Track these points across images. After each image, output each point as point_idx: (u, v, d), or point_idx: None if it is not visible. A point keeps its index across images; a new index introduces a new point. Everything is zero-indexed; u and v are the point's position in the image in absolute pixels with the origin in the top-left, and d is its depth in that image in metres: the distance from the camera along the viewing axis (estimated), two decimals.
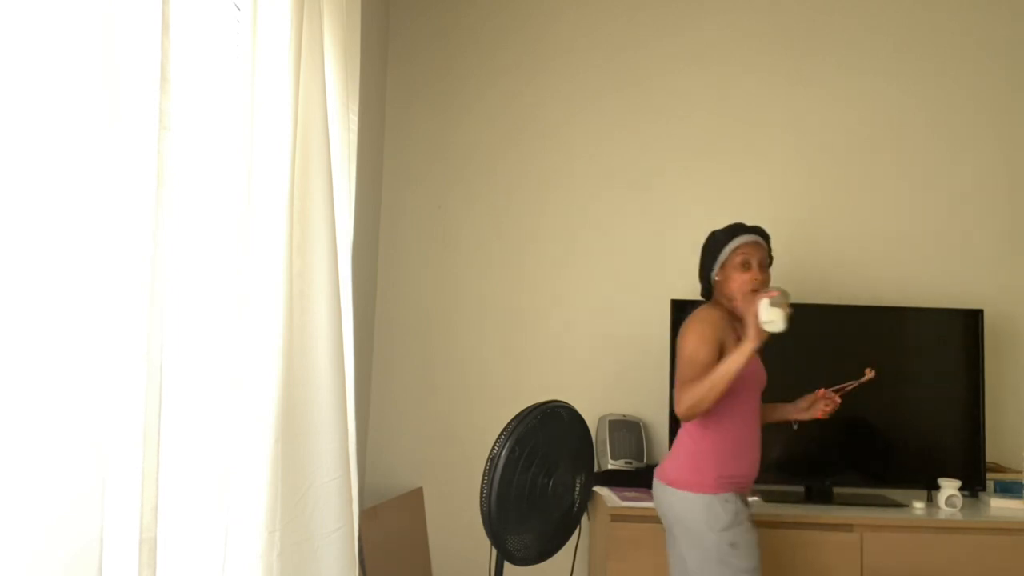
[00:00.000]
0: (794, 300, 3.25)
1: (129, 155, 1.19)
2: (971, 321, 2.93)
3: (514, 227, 3.18)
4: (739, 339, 2.27)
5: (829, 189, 3.18)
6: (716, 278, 2.37)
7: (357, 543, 2.14)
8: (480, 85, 3.22)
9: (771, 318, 2.11)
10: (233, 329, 1.68)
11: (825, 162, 3.19)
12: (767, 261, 2.37)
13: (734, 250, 2.34)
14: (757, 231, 2.39)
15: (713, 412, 2.25)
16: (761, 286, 2.29)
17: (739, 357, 2.16)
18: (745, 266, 2.32)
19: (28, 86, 1.02)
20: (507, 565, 2.88)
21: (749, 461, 2.30)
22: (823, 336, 2.96)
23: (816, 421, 2.96)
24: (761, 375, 2.40)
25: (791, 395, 2.88)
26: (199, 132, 1.68)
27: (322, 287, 1.90)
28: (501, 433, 2.22)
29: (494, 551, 2.25)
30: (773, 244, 3.16)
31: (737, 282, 2.32)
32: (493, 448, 2.18)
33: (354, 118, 2.28)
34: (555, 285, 3.18)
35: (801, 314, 2.99)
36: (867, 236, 3.16)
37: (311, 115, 1.88)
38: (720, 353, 2.25)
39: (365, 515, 2.50)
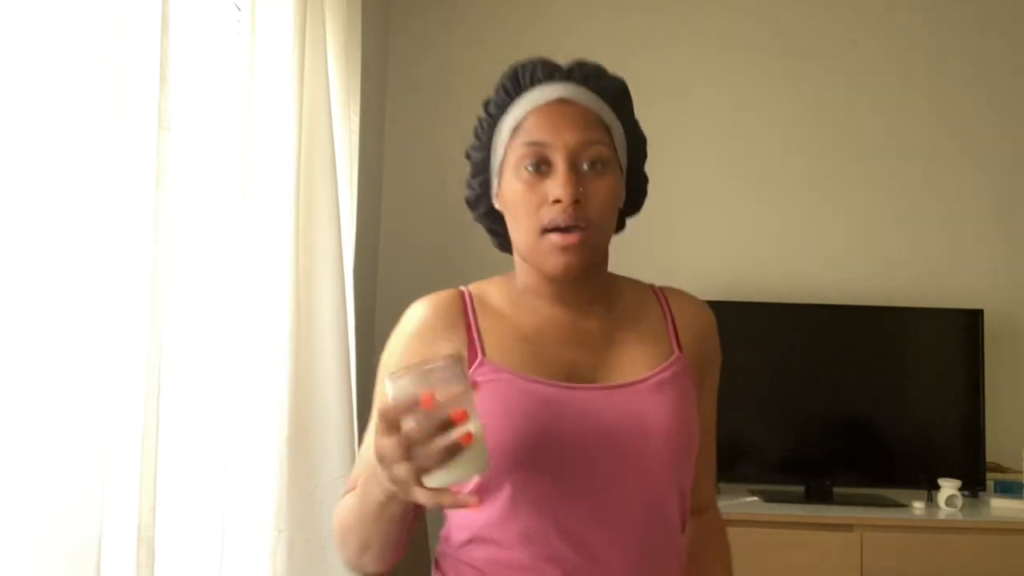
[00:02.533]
0: (791, 300, 3.29)
1: (129, 155, 1.20)
2: (971, 321, 2.92)
3: None
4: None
5: (828, 188, 3.18)
6: (497, 204, 1.12)
7: None
8: (481, 85, 3.20)
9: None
10: (241, 329, 1.68)
11: (824, 160, 3.19)
12: (607, 149, 1.05)
13: (514, 133, 1.07)
14: (571, 74, 1.09)
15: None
16: (567, 219, 1.00)
17: (370, 497, 0.95)
18: (536, 167, 1.03)
19: (28, 87, 1.02)
20: None
21: None
22: (822, 336, 2.95)
23: (816, 419, 2.97)
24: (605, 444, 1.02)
25: (792, 398, 2.88)
26: (204, 132, 1.69)
27: (328, 285, 1.90)
28: None
29: None
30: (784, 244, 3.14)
31: (510, 210, 1.07)
32: None
33: (355, 119, 2.28)
34: None
35: (801, 314, 2.99)
36: (867, 235, 3.16)
37: (315, 115, 1.89)
38: None
39: None
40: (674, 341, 1.12)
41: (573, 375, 1.05)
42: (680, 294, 1.19)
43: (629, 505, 1.02)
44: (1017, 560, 2.57)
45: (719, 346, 1.19)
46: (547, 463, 1.00)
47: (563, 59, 1.15)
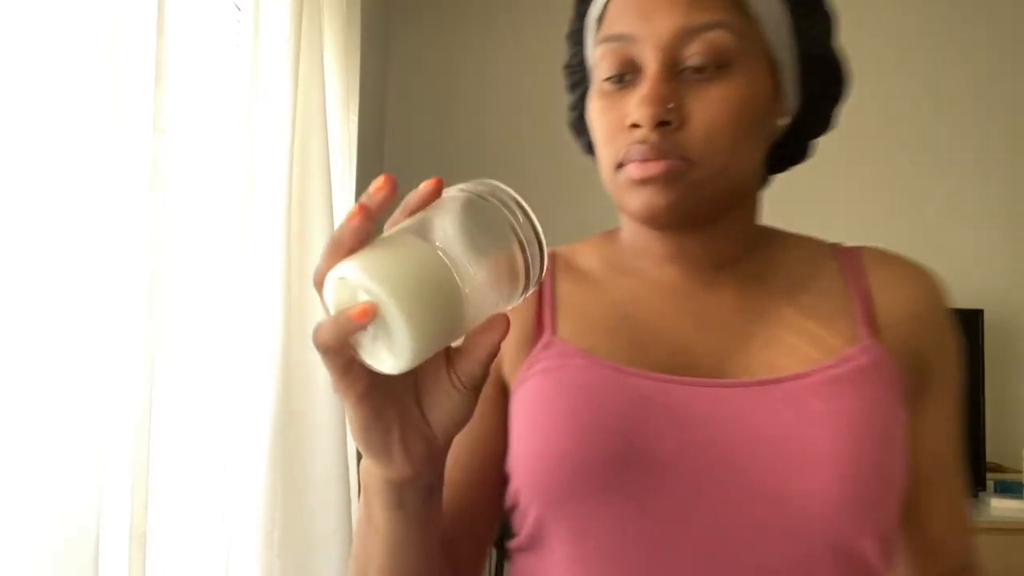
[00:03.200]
0: None
1: (125, 156, 1.20)
2: (971, 321, 2.92)
3: None
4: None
5: (826, 186, 3.18)
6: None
7: None
8: (482, 85, 3.22)
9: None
10: (232, 330, 1.68)
11: (821, 158, 3.18)
12: (729, 37, 0.68)
13: (599, 27, 0.74)
14: None
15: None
16: (647, 151, 0.67)
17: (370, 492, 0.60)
18: (619, 74, 0.70)
19: (26, 87, 1.02)
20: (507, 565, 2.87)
21: None
22: None
23: None
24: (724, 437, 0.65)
25: None
26: (204, 132, 1.69)
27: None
28: None
29: (494, 551, 2.25)
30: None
31: (592, 137, 0.75)
32: None
33: (354, 119, 2.28)
34: None
35: None
36: (866, 235, 3.15)
37: (310, 116, 1.89)
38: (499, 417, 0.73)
39: None
40: (861, 322, 0.74)
41: (688, 365, 0.70)
42: (885, 256, 0.83)
43: (765, 573, 0.63)
44: (1017, 560, 2.57)
45: (951, 334, 0.83)
46: (633, 495, 0.63)
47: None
